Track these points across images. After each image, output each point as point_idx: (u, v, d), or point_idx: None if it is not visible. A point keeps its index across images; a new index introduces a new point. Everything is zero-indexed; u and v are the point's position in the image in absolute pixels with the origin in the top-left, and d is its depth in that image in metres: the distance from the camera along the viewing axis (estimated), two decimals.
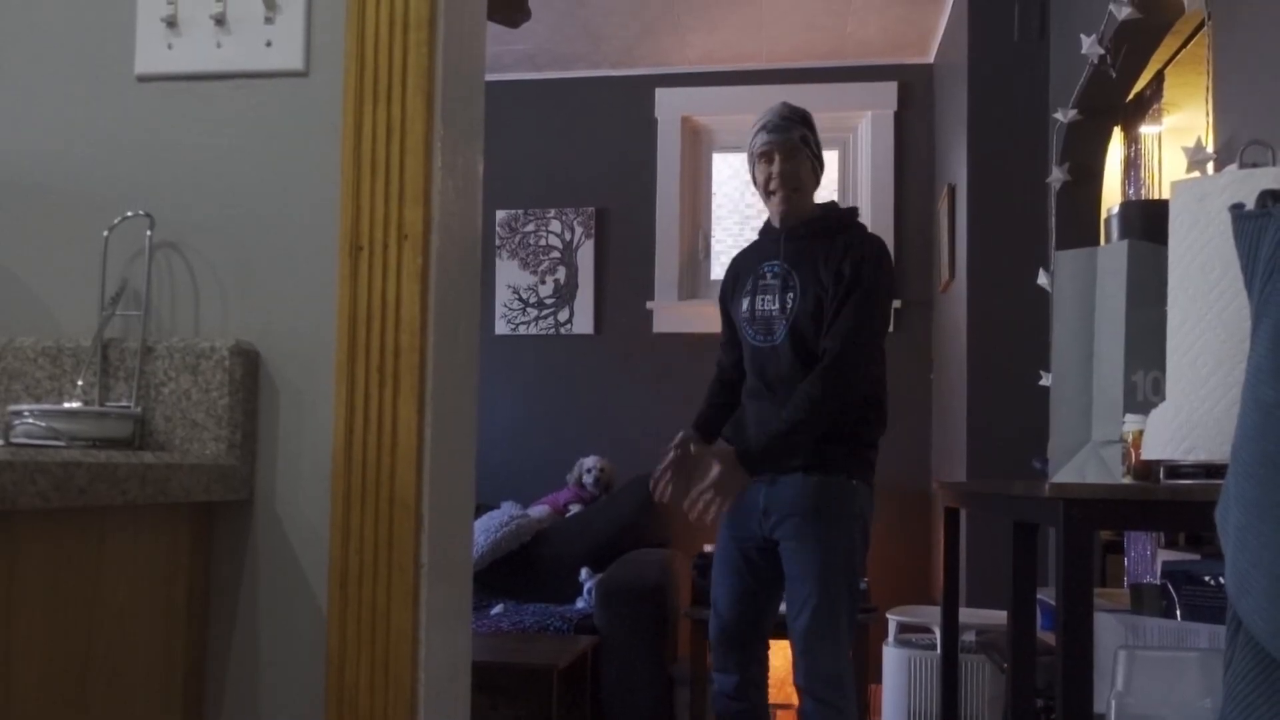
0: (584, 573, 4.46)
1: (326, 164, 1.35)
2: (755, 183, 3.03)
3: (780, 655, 3.97)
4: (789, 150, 2.93)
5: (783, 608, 2.94)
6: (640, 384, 5.31)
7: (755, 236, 3.13)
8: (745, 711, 2.98)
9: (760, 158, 2.96)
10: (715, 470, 2.73)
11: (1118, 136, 3.89)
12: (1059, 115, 3.66)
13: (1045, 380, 3.69)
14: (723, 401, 3.15)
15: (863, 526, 2.89)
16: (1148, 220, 2.30)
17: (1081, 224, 3.74)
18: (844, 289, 2.84)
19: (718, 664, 3.00)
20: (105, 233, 1.36)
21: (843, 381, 2.80)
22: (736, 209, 5.57)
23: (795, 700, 2.94)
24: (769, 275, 2.97)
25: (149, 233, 1.36)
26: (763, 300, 2.96)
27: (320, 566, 1.31)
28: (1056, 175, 3.73)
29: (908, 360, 5.23)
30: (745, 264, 3.09)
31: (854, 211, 3.07)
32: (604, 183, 5.48)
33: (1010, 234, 4.12)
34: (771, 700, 3.17)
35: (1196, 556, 2.62)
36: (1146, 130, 3.90)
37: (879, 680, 4.43)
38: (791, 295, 2.90)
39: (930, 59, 5.28)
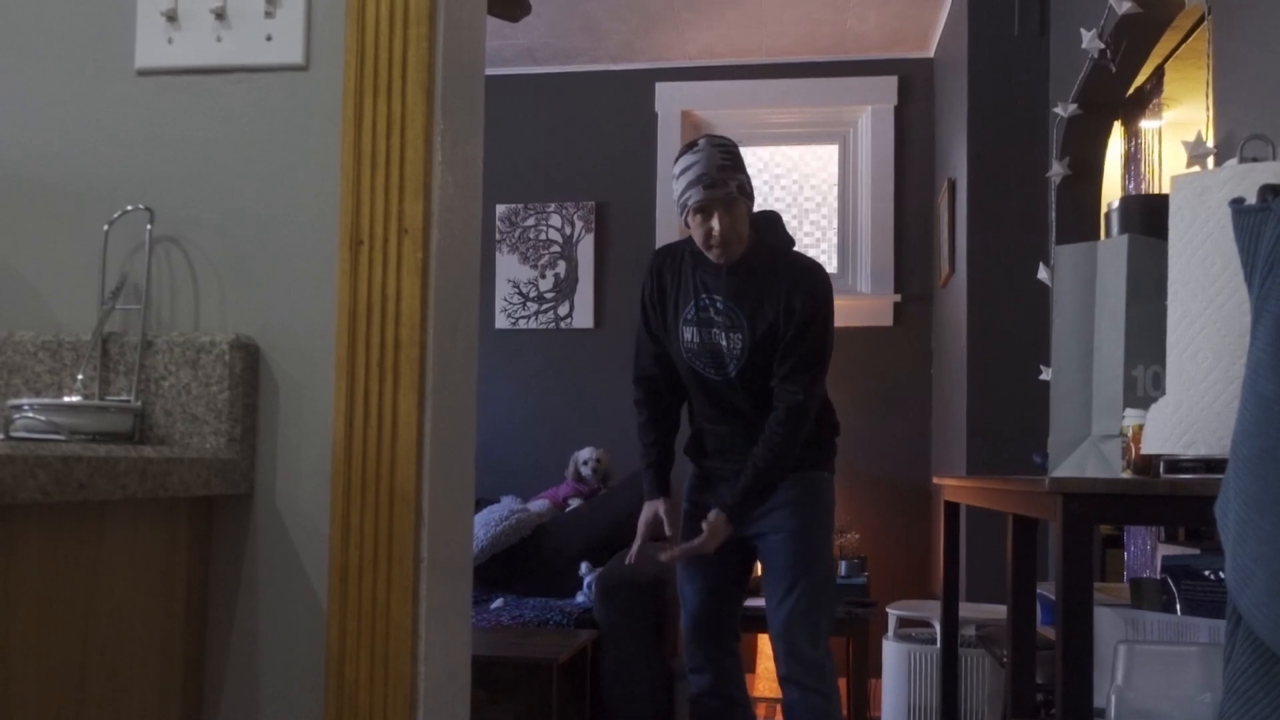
0: (584, 567, 4.47)
1: (326, 158, 1.35)
2: (688, 227, 2.85)
3: (768, 647, 3.98)
4: (729, 204, 2.76)
5: (759, 600, 2.99)
6: None
7: None
8: (724, 708, 2.99)
9: (697, 211, 2.78)
10: (705, 534, 2.85)
11: (1118, 131, 3.89)
12: (1059, 110, 3.66)
13: (1045, 375, 3.69)
14: (663, 437, 3.10)
15: (832, 514, 3.02)
16: (1148, 215, 2.30)
17: (1081, 218, 3.74)
18: (798, 326, 2.81)
19: (690, 662, 3.01)
20: (105, 227, 1.36)
21: (802, 426, 2.86)
22: None
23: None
24: (713, 310, 2.88)
25: (149, 227, 1.36)
26: (710, 333, 2.89)
27: (320, 561, 1.31)
28: (1056, 170, 3.73)
29: (908, 355, 5.23)
30: (681, 283, 2.94)
31: (777, 221, 2.97)
32: (604, 177, 5.47)
33: (1010, 228, 4.12)
34: (764, 694, 3.18)
35: (1196, 551, 2.62)
36: (1146, 125, 3.90)
37: (879, 675, 4.43)
38: (740, 335, 2.86)
39: (930, 53, 5.28)
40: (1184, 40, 3.40)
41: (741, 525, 2.89)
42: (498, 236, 5.52)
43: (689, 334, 2.92)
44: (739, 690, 3.04)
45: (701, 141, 2.83)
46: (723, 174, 2.75)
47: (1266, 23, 2.24)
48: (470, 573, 1.47)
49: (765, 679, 4.64)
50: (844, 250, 5.41)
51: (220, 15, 1.37)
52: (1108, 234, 2.46)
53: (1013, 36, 4.16)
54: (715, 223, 2.76)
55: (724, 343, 2.88)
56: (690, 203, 2.78)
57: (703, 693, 3.00)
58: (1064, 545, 1.64)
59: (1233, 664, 1.04)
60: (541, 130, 5.55)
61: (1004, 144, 4.16)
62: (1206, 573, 2.13)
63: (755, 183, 2.99)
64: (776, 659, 2.90)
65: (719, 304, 2.88)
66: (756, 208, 2.93)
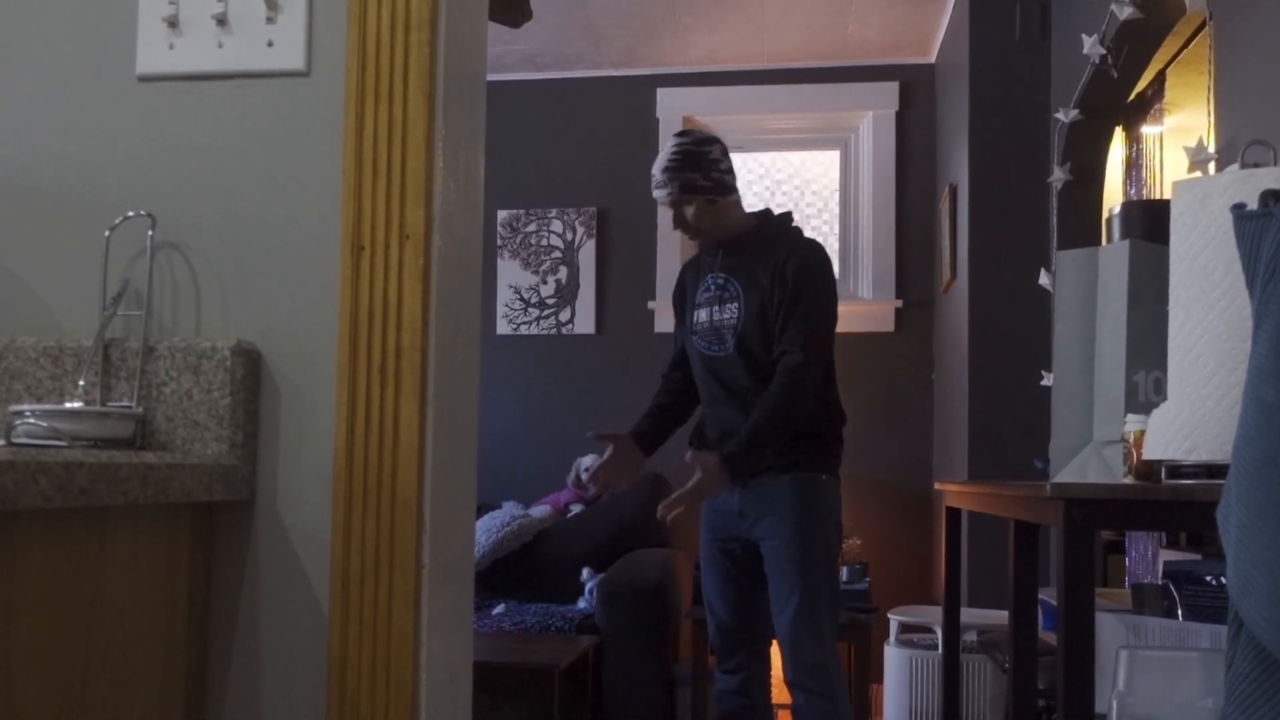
0: (585, 573, 4.46)
1: (328, 164, 1.35)
2: None
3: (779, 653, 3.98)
4: (673, 202, 2.98)
5: None
6: (641, 384, 5.27)
7: None
8: (748, 708, 3.00)
9: (658, 202, 3.06)
10: (696, 476, 2.79)
11: (1119, 136, 3.89)
12: (1060, 115, 3.66)
13: (1047, 380, 3.69)
14: (665, 402, 3.20)
15: (837, 519, 2.98)
16: (1149, 220, 2.30)
17: (1083, 224, 3.74)
18: (791, 294, 2.88)
19: (721, 665, 3.02)
20: (107, 233, 1.36)
21: (803, 387, 2.85)
22: None
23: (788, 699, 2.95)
24: (712, 288, 3.03)
25: (150, 233, 1.36)
26: (709, 312, 3.02)
27: (321, 567, 1.31)
28: (1058, 175, 3.73)
29: (909, 361, 5.23)
30: (690, 276, 3.16)
31: (788, 217, 3.11)
32: (605, 183, 5.48)
33: (1012, 234, 4.12)
34: (775, 700, 3.18)
35: (1198, 556, 2.62)
36: (1148, 130, 3.90)
37: (880, 680, 4.43)
38: (734, 305, 2.97)
39: (932, 59, 5.28)
40: (1185, 46, 3.40)
41: (736, 477, 2.82)
42: (499, 242, 5.52)
43: (699, 316, 3.05)
44: (762, 694, 3.04)
45: (668, 141, 3.04)
46: (665, 175, 2.97)
47: (1268, 28, 2.24)
48: (471, 578, 1.47)
49: (776, 686, 4.64)
50: (845, 256, 5.41)
51: (221, 21, 1.37)
52: (1109, 239, 2.46)
53: (1014, 42, 4.17)
54: (672, 218, 3.01)
55: (723, 316, 2.98)
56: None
57: (728, 691, 3.02)
58: (1066, 550, 1.64)
59: (1234, 669, 1.04)
60: (543, 136, 5.55)
61: (1005, 149, 4.16)
62: (1208, 578, 2.12)
63: (757, 188, 3.07)
64: (783, 664, 2.90)
65: (720, 280, 3.02)
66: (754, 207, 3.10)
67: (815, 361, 2.87)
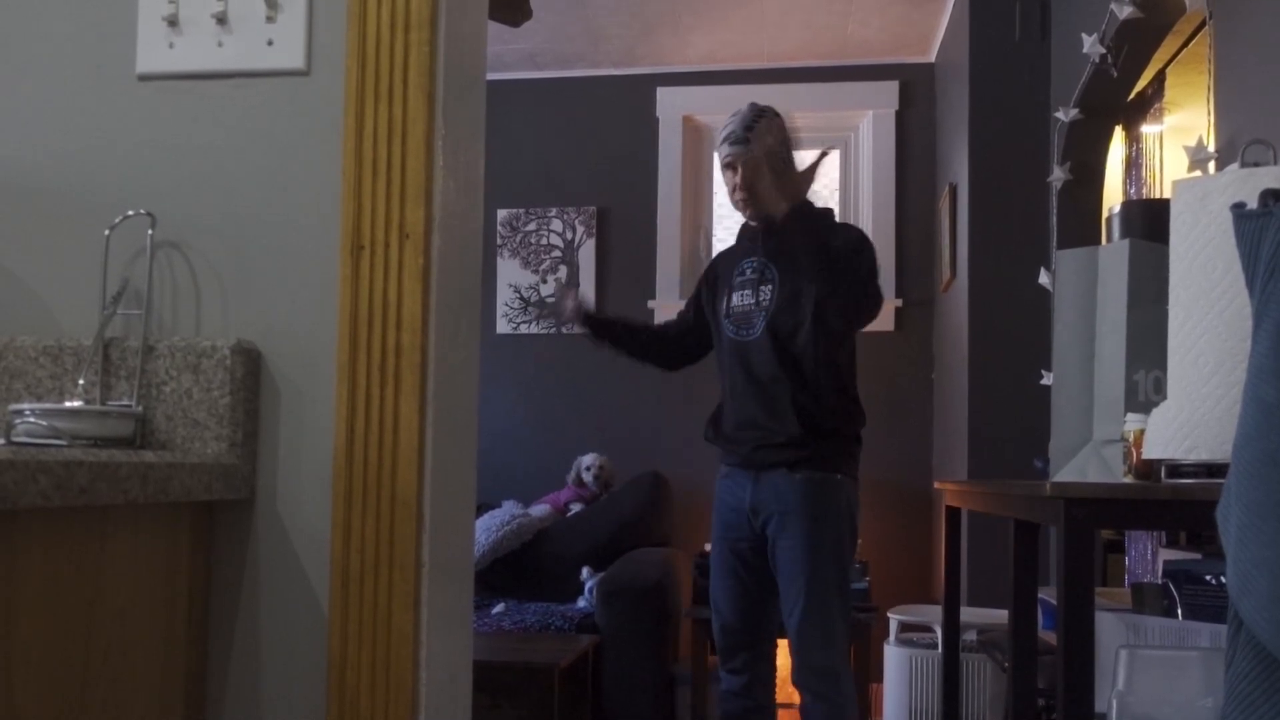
0: (585, 572, 4.47)
1: (328, 163, 1.35)
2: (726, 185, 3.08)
3: (784, 654, 3.99)
4: (751, 163, 2.92)
5: None
6: (642, 383, 5.30)
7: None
8: (751, 710, 2.99)
9: (726, 167, 2.98)
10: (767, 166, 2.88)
11: (1119, 136, 3.89)
12: (1060, 114, 3.66)
13: (1046, 379, 3.69)
14: (639, 328, 3.35)
15: (850, 521, 2.95)
16: (1149, 219, 2.31)
17: (1083, 223, 3.74)
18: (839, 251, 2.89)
19: (725, 665, 3.00)
20: (106, 232, 1.36)
21: (860, 270, 2.87)
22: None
23: (797, 698, 2.95)
24: (748, 271, 3.01)
25: (150, 232, 1.36)
26: (741, 295, 3.00)
27: (321, 566, 1.31)
28: (1058, 174, 3.73)
29: (909, 360, 5.23)
30: (725, 264, 3.13)
31: (830, 211, 3.10)
32: (605, 182, 5.48)
33: (1011, 233, 4.12)
34: (780, 700, 3.18)
35: (1198, 556, 2.62)
36: (1148, 129, 3.90)
37: (880, 679, 4.43)
38: (769, 288, 2.95)
39: (931, 58, 5.28)
40: (1185, 45, 3.40)
41: (787, 206, 2.85)
42: (499, 241, 5.52)
43: (732, 300, 3.04)
44: (766, 695, 3.03)
45: (744, 106, 3.03)
46: (748, 133, 2.93)
47: (1267, 27, 2.24)
48: (471, 578, 1.47)
49: (778, 686, 4.64)
50: None
51: (221, 20, 1.37)
52: (1109, 239, 2.46)
53: (1014, 41, 4.17)
54: (738, 176, 2.94)
55: (752, 300, 2.97)
56: (720, 157, 2.99)
57: (731, 691, 3.00)
58: (1065, 550, 1.64)
59: (1234, 669, 1.04)
60: (543, 135, 5.55)
61: (1005, 149, 4.16)
62: (1208, 577, 2.12)
63: None
64: (792, 664, 2.89)
65: (759, 264, 3.00)
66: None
67: (872, 279, 2.89)
